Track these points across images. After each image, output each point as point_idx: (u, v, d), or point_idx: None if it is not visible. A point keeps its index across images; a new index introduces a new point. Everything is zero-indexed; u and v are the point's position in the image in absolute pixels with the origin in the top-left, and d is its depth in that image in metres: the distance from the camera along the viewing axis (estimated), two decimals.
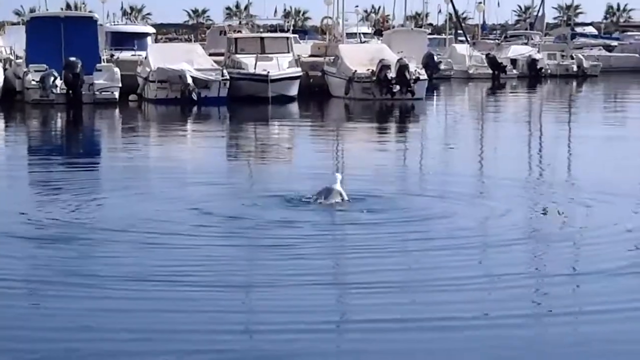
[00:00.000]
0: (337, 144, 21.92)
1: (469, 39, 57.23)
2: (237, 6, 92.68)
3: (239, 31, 42.87)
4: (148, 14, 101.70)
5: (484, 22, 70.08)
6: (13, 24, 56.12)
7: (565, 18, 76.12)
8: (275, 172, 16.05)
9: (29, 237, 10.01)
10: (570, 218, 11.16)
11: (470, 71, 48.79)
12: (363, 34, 48.94)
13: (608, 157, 17.96)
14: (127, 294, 7.82)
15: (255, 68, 32.67)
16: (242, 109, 30.76)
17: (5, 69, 34.31)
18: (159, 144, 22.16)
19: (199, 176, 15.13)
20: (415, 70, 33.83)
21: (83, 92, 30.03)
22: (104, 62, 32.14)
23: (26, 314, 7.42)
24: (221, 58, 35.55)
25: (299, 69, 34.42)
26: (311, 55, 40.19)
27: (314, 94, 34.85)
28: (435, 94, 38.36)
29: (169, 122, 27.58)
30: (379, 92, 33.04)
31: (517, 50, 53.21)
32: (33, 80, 30.38)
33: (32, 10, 45.44)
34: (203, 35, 59.70)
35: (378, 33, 53.55)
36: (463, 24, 63.95)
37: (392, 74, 32.85)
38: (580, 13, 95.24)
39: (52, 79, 29.86)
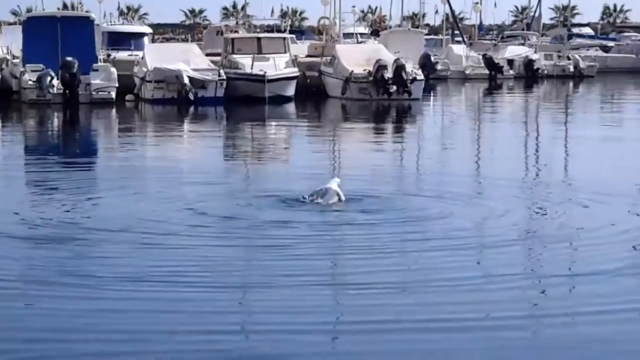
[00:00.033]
0: (334, 144, 21.91)
1: (465, 40, 57.29)
2: (234, 6, 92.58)
3: (236, 31, 42.85)
4: (145, 14, 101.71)
5: (480, 22, 70.16)
6: (10, 23, 56.02)
7: (561, 19, 76.25)
8: (272, 172, 16.02)
9: (24, 237, 9.99)
10: (568, 218, 11.14)
11: (467, 72, 48.80)
12: (360, 34, 49.01)
13: (605, 158, 17.96)
14: (123, 295, 7.79)
15: (252, 68, 32.65)
16: (239, 109, 30.75)
17: (2, 69, 34.32)
18: (155, 144, 22.12)
19: (195, 176, 15.10)
20: (412, 71, 33.81)
21: (80, 92, 30.01)
22: (100, 62, 32.12)
23: (22, 314, 7.39)
24: (218, 58, 35.52)
25: (296, 69, 34.41)
26: (308, 56, 40.17)
27: (311, 94, 34.84)
28: (432, 95, 38.37)
29: (165, 122, 27.54)
30: (375, 92, 33.02)
31: (514, 51, 53.21)
32: (30, 80, 30.35)
33: (28, 10, 45.46)
34: (200, 35, 59.65)
35: (375, 33, 53.54)
36: (460, 25, 64.03)
37: (389, 74, 32.84)
38: (577, 14, 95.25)
39: (48, 78, 29.84)
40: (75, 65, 29.39)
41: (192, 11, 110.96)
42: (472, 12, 67.81)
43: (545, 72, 50.67)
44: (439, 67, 47.10)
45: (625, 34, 73.68)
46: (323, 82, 35.84)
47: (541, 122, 28.94)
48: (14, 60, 33.81)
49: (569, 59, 52.99)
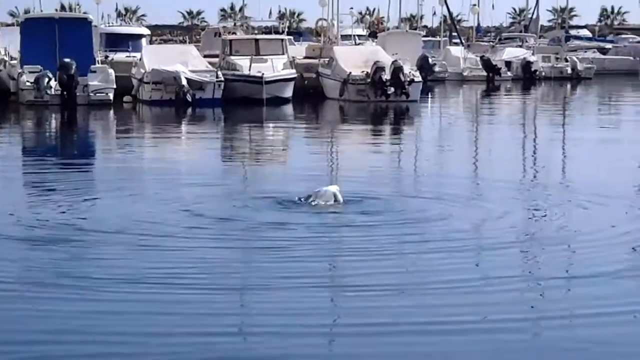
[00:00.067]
0: (332, 145, 21.89)
1: (463, 41, 57.29)
2: (232, 8, 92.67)
3: (234, 33, 42.86)
4: (143, 15, 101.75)
5: (478, 24, 70.08)
6: (7, 25, 56.01)
7: (559, 21, 76.33)
8: (270, 174, 16.00)
9: (21, 239, 9.97)
10: (566, 220, 11.13)
11: (465, 73, 48.80)
12: (358, 35, 48.99)
13: (603, 160, 17.96)
14: (120, 297, 7.76)
15: (249, 70, 32.64)
16: (237, 111, 30.73)
17: None
18: (153, 145, 22.09)
19: (193, 177, 15.09)
20: (410, 73, 33.80)
21: (77, 94, 29.96)
22: (98, 63, 32.06)
23: (18, 316, 7.36)
24: (216, 60, 35.51)
25: (294, 70, 34.39)
26: (306, 57, 40.15)
27: (309, 95, 34.83)
28: (429, 96, 38.36)
29: (163, 123, 27.52)
30: (373, 94, 33.01)
31: (512, 53, 53.24)
32: (27, 81, 30.31)
33: (26, 12, 45.49)
34: (198, 37, 59.67)
35: (373, 35, 53.51)
36: (457, 26, 64.06)
37: (386, 76, 32.82)
38: (575, 16, 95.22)
39: (46, 80, 29.80)
40: (73, 67, 29.35)
41: (190, 13, 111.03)
42: (470, 14, 67.89)
43: (543, 74, 50.67)
44: (436, 68, 47.09)
45: (623, 36, 73.75)
46: (321, 84, 35.82)
47: (539, 124, 28.94)
48: (12, 62, 33.75)
49: (566, 60, 53.00)
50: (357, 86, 33.37)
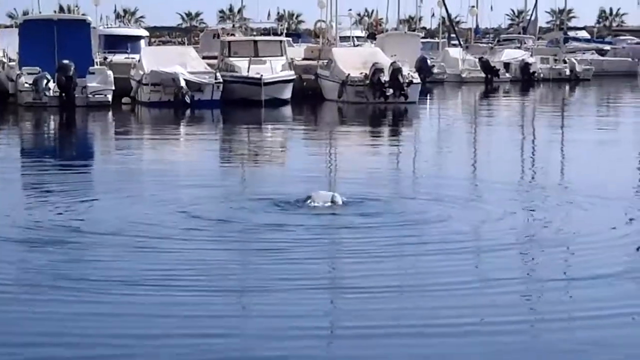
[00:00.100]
0: (330, 147, 21.87)
1: (462, 43, 57.26)
2: (231, 9, 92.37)
3: (232, 34, 42.81)
4: (141, 17, 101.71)
5: (477, 26, 70.08)
6: (6, 26, 55.98)
7: (558, 22, 76.25)
8: (268, 175, 15.99)
9: (18, 240, 9.94)
10: (566, 222, 11.11)
11: (463, 75, 48.79)
12: (356, 37, 48.89)
13: (602, 161, 17.95)
14: (117, 298, 7.74)
15: (248, 71, 32.63)
16: (235, 112, 30.71)
17: None
18: (151, 147, 22.08)
19: (191, 179, 15.07)
20: (409, 74, 33.79)
21: (76, 95, 29.93)
22: (97, 65, 32.05)
23: (15, 318, 7.33)
24: (214, 61, 35.51)
25: (292, 72, 34.37)
26: (304, 59, 40.13)
27: (307, 97, 34.81)
28: (428, 98, 38.35)
29: (162, 125, 27.48)
30: (372, 95, 33.00)
31: (510, 54, 53.23)
32: (26, 83, 30.30)
33: (25, 13, 45.45)
34: (196, 39, 59.61)
35: (371, 36, 53.53)
36: (456, 28, 63.98)
37: (385, 77, 32.81)
38: (573, 17, 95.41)
39: (45, 81, 29.78)
40: (72, 68, 29.33)
41: (188, 14, 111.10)
42: (469, 16, 67.96)
43: (542, 75, 50.67)
44: (435, 70, 47.08)
45: (621, 37, 73.78)
46: (319, 85, 35.80)
47: (537, 125, 28.93)
48: (10, 63, 33.73)
49: (565, 62, 53.01)
50: (355, 88, 33.35)
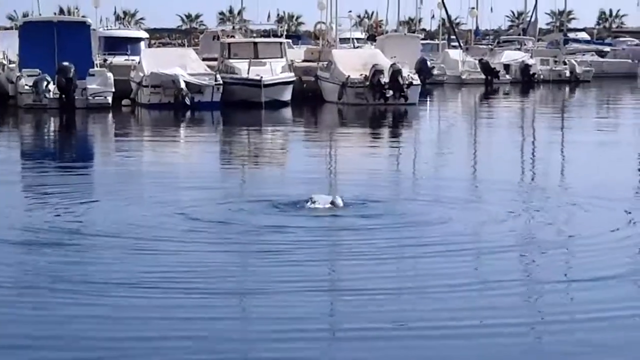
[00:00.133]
0: (331, 149, 21.85)
1: (462, 45, 57.27)
2: (231, 11, 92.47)
3: (232, 36, 42.84)
4: (141, 18, 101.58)
5: (477, 27, 70.08)
6: (6, 28, 55.96)
7: (558, 24, 76.22)
8: (268, 177, 15.96)
9: (16, 242, 9.92)
10: (566, 224, 11.09)
11: (463, 76, 48.79)
12: (356, 39, 48.90)
13: (602, 163, 17.93)
14: (116, 301, 7.71)
15: (248, 73, 32.61)
16: (235, 114, 30.70)
17: None
18: (151, 149, 22.06)
19: (191, 181, 15.05)
20: (409, 76, 33.79)
21: (76, 97, 29.93)
22: (97, 66, 32.05)
23: (12, 320, 7.30)
24: (214, 63, 35.50)
25: (292, 74, 34.35)
26: (304, 60, 40.13)
27: (307, 99, 34.79)
28: (428, 99, 38.33)
29: (162, 127, 27.47)
30: (372, 97, 33.00)
31: (510, 56, 53.21)
32: (26, 84, 30.31)
33: (25, 15, 45.47)
34: (196, 40, 59.58)
35: (371, 38, 53.53)
36: (456, 30, 64.01)
37: (385, 79, 32.81)
38: (573, 19, 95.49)
39: (45, 83, 29.78)
40: (72, 70, 29.33)
41: (188, 16, 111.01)
42: (469, 17, 67.98)
43: (542, 77, 50.65)
44: (435, 72, 47.07)
45: (621, 39, 73.83)
46: (319, 87, 35.79)
47: (538, 127, 28.92)
48: (10, 65, 33.73)
49: (565, 63, 52.99)
50: (355, 89, 33.35)
